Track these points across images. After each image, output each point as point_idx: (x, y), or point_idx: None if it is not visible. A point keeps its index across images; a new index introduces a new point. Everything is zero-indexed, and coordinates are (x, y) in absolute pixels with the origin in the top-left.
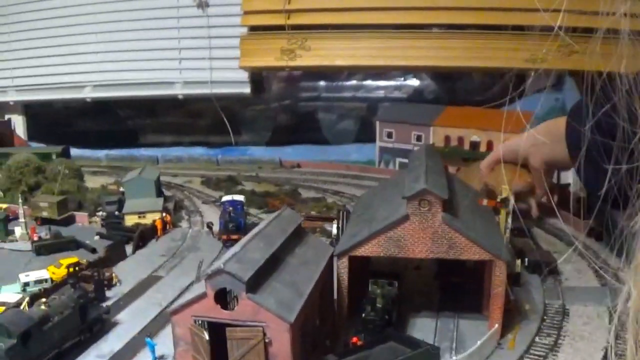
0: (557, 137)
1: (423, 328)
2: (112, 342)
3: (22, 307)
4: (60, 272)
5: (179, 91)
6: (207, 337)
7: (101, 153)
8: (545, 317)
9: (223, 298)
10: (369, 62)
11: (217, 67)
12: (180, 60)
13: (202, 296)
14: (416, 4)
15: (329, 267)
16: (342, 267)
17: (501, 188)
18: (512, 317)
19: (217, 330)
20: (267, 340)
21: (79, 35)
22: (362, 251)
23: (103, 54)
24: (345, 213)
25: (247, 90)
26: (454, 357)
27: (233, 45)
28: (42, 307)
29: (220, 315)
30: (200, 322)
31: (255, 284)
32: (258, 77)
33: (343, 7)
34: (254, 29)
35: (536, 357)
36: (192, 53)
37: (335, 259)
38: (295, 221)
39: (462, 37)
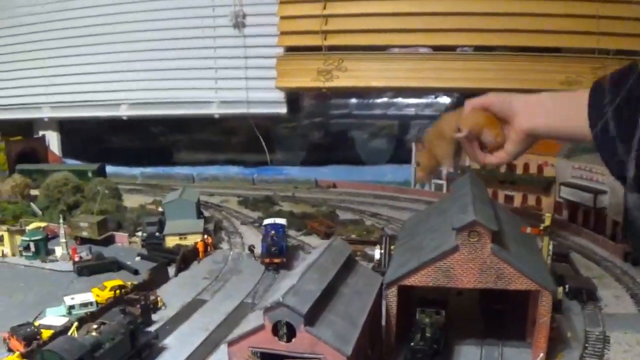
0: (568, 105)
1: (468, 356)
2: None
3: (70, 333)
4: (105, 295)
5: (215, 110)
6: None
7: (136, 171)
8: (587, 345)
9: (279, 328)
10: (403, 84)
11: (253, 87)
12: (217, 80)
13: (260, 328)
14: (449, 26)
15: (378, 296)
16: (391, 297)
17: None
18: (554, 344)
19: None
20: None
21: (116, 54)
22: (411, 281)
23: (139, 72)
24: (387, 238)
25: (283, 110)
26: None
27: (269, 66)
28: (93, 333)
29: (278, 347)
30: (257, 353)
31: (312, 316)
32: (294, 97)
33: (378, 28)
34: (290, 49)
35: None
36: (229, 72)
37: (384, 288)
38: (346, 251)
39: (495, 59)
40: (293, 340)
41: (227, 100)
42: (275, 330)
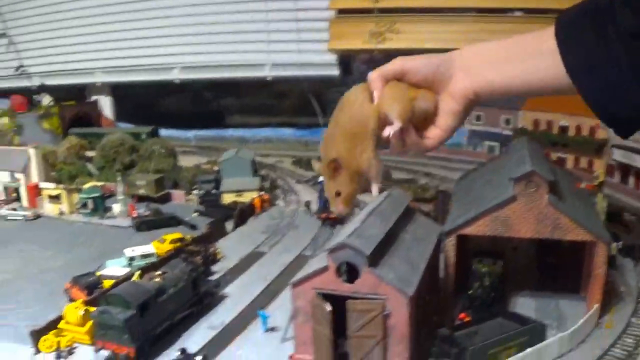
0: (520, 52)
1: (524, 306)
2: (222, 314)
3: (133, 280)
4: (164, 247)
5: (267, 73)
6: (329, 308)
7: (190, 134)
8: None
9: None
10: (456, 46)
11: (305, 50)
12: (269, 43)
13: (324, 270)
14: None
15: (436, 245)
16: (450, 246)
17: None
18: (608, 298)
19: (335, 303)
20: (386, 313)
21: (168, 18)
22: (470, 230)
23: (192, 36)
24: (442, 195)
25: (335, 72)
26: (559, 334)
27: (321, 28)
28: (157, 279)
29: (341, 288)
30: (320, 294)
31: (375, 258)
32: (345, 60)
33: None
34: (342, 11)
35: (634, 337)
36: (281, 35)
37: (443, 237)
38: (405, 200)
39: (547, 22)
40: (356, 281)
41: (279, 62)
42: (338, 272)
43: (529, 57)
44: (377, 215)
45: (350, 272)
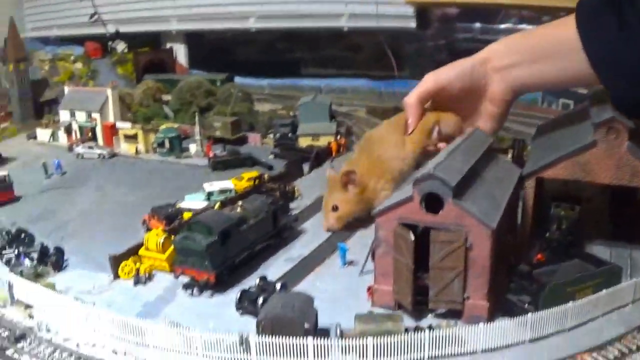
0: (546, 50)
1: (598, 253)
2: (300, 247)
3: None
4: (242, 185)
5: (344, 23)
6: (412, 237)
7: (264, 82)
8: None
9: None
10: (537, 2)
11: (382, 1)
12: None
13: (408, 200)
14: None
15: (516, 187)
16: (529, 188)
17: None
18: None
19: (417, 236)
20: (468, 245)
21: None
22: (549, 174)
23: None
24: (519, 143)
25: (412, 24)
26: (634, 279)
27: None
28: (239, 209)
29: (425, 218)
30: (403, 225)
31: (460, 190)
32: (422, 13)
33: None
34: None
35: None
36: None
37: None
38: (487, 140)
39: None
40: (440, 212)
41: (356, 13)
42: (423, 202)
43: (557, 55)
44: (461, 151)
45: (432, 203)
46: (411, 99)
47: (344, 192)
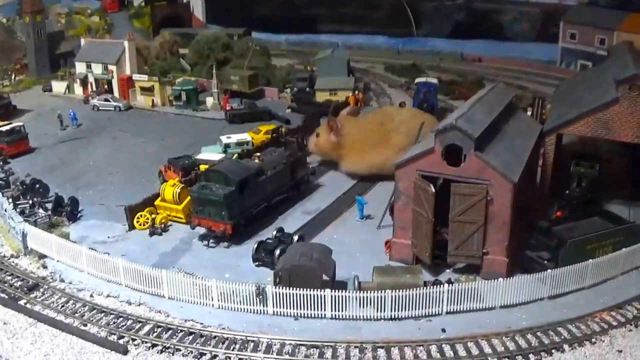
0: None
1: (617, 211)
2: (317, 201)
3: None
4: (260, 137)
5: None
6: (433, 190)
7: (281, 37)
8: None
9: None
10: None
11: None
12: None
13: (430, 151)
14: None
15: (537, 143)
16: (549, 145)
17: None
18: None
19: (437, 187)
20: (489, 198)
21: None
22: (571, 130)
23: None
24: (539, 100)
25: None
26: None
27: None
28: (257, 160)
29: (446, 170)
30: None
31: (482, 142)
32: None
33: None
34: None
35: None
36: None
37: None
38: (509, 95)
39: None
40: (461, 164)
41: None
42: (444, 154)
43: None
44: (483, 104)
45: (453, 156)
46: None
47: (328, 133)
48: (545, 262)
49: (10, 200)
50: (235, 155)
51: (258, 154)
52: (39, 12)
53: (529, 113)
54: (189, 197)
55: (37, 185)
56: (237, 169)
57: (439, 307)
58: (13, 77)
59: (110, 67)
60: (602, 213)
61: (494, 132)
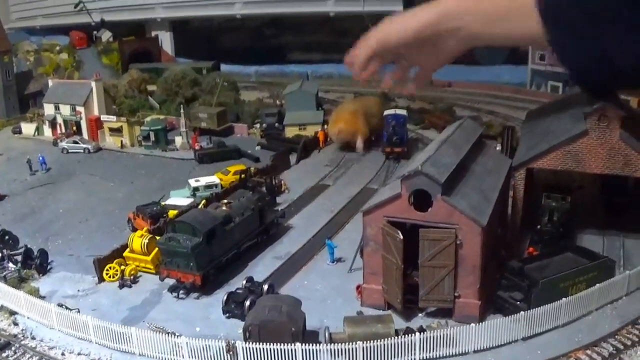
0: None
1: (591, 244)
2: (288, 244)
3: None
4: (229, 179)
5: (331, 8)
6: (401, 237)
7: (251, 69)
8: None
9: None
10: None
11: None
12: None
13: (396, 197)
14: None
15: (506, 178)
16: (519, 179)
17: None
18: None
19: (404, 232)
20: (458, 242)
21: None
22: (540, 164)
23: None
24: (509, 130)
25: (399, 7)
26: (627, 272)
27: None
28: (224, 207)
29: (414, 216)
30: (391, 222)
31: (449, 186)
32: None
33: None
34: None
35: None
36: None
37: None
38: (477, 132)
39: None
40: (429, 209)
41: None
42: (411, 200)
43: (511, 16)
44: (450, 144)
45: (421, 200)
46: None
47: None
48: (518, 302)
49: None
50: (202, 202)
51: (225, 200)
52: (6, 53)
53: (500, 142)
54: (157, 248)
55: (7, 237)
56: (204, 219)
57: (411, 355)
58: None
59: (78, 108)
60: (574, 248)
61: (461, 172)
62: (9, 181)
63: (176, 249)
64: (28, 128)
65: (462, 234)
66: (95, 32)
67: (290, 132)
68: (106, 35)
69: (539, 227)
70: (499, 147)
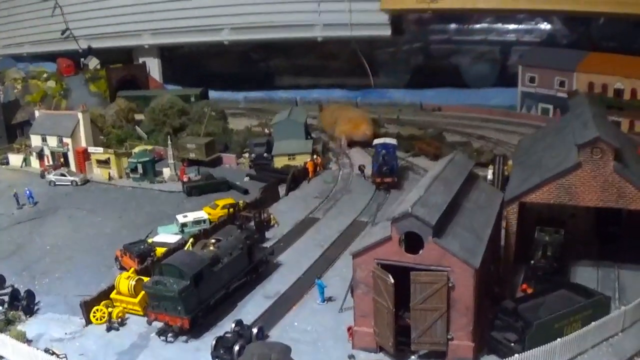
0: None
1: (585, 276)
2: (278, 283)
3: (186, 249)
4: (217, 213)
5: (318, 34)
6: (392, 280)
7: (239, 95)
8: None
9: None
10: (511, 6)
11: (356, 10)
12: (319, 3)
13: (386, 239)
14: None
15: (499, 213)
16: (511, 213)
17: None
18: None
19: (395, 273)
20: (450, 285)
21: None
22: (533, 198)
23: None
24: (500, 159)
25: (387, 32)
26: (622, 307)
27: None
28: (211, 247)
29: (404, 259)
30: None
31: (440, 227)
32: (397, 19)
33: None
34: None
35: None
36: None
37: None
38: (468, 166)
39: None
40: (420, 252)
41: (330, 23)
42: (401, 242)
43: None
44: (441, 181)
45: (412, 241)
46: None
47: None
48: (512, 344)
49: None
50: (190, 241)
51: (213, 240)
52: None
53: (491, 171)
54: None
55: None
56: (191, 262)
57: None
58: None
59: (65, 139)
60: (569, 285)
61: (453, 211)
62: None
63: (163, 293)
64: (15, 159)
65: (454, 276)
66: (82, 59)
67: (279, 162)
68: (93, 63)
69: (532, 262)
70: (490, 176)
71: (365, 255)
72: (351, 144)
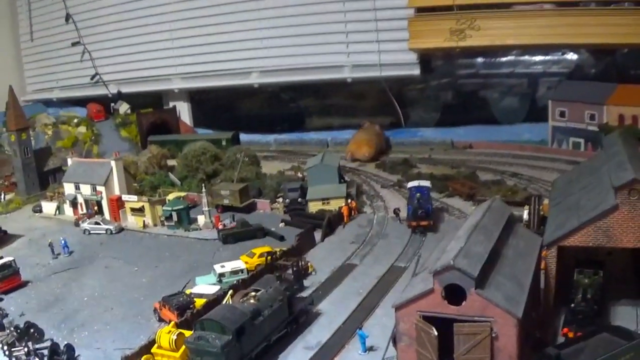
0: None
1: (625, 316)
2: (318, 333)
3: (225, 301)
4: (254, 262)
5: (347, 75)
6: (435, 332)
7: (270, 137)
8: None
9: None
10: (540, 41)
11: (385, 50)
12: (348, 44)
13: (429, 292)
14: None
15: (538, 257)
16: (551, 257)
17: None
18: None
19: (439, 324)
20: (493, 335)
21: (245, 22)
22: (571, 241)
23: (269, 40)
24: (536, 199)
25: (417, 72)
26: None
27: (401, 27)
28: (252, 300)
29: (448, 311)
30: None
31: (482, 278)
32: (425, 58)
33: None
34: (421, 10)
35: None
36: (360, 36)
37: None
38: (506, 212)
39: (626, 13)
40: (463, 303)
41: (359, 63)
42: (444, 294)
43: None
44: (481, 230)
45: (453, 293)
46: None
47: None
48: None
49: (6, 347)
50: (230, 293)
51: (253, 293)
52: (24, 130)
53: (527, 211)
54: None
55: (32, 330)
56: (232, 316)
57: None
58: (2, 196)
59: (98, 188)
60: (610, 328)
61: (493, 260)
62: (31, 265)
63: (206, 348)
64: (49, 207)
65: (497, 327)
66: (112, 104)
67: (313, 207)
68: (124, 107)
69: (572, 305)
70: (526, 216)
71: (408, 308)
72: (354, 160)
